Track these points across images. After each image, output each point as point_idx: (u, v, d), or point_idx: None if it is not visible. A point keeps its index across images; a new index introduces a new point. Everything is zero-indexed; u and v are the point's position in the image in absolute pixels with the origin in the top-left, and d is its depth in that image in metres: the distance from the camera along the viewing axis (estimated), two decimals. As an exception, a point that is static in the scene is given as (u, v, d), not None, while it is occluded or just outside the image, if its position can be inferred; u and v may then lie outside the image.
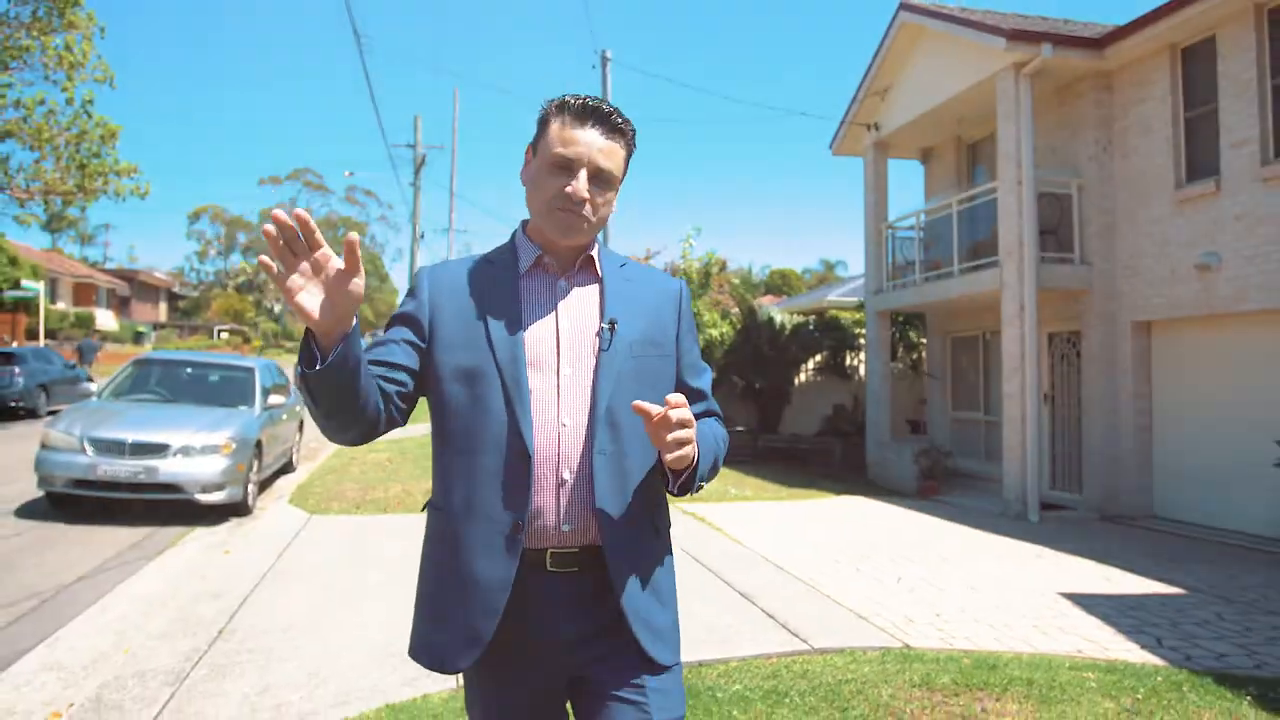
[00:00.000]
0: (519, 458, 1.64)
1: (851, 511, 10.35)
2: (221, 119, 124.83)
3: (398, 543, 7.71)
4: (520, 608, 1.66)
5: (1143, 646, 5.04)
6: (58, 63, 16.05)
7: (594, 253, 1.82)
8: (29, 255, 38.06)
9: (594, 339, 1.73)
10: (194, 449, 8.49)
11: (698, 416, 1.83)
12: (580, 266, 1.81)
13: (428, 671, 4.47)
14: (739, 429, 15.70)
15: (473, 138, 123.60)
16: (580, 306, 1.77)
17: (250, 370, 10.56)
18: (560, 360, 1.71)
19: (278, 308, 76.10)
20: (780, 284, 55.28)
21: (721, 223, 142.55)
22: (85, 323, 42.86)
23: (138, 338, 50.96)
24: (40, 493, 8.97)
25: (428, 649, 1.72)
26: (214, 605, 5.89)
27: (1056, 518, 10.40)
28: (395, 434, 16.28)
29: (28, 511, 8.81)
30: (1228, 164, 9.45)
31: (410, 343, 1.72)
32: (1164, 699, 4.06)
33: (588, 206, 1.69)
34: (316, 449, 14.61)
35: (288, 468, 11.95)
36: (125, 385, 10.07)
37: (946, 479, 12.92)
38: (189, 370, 10.52)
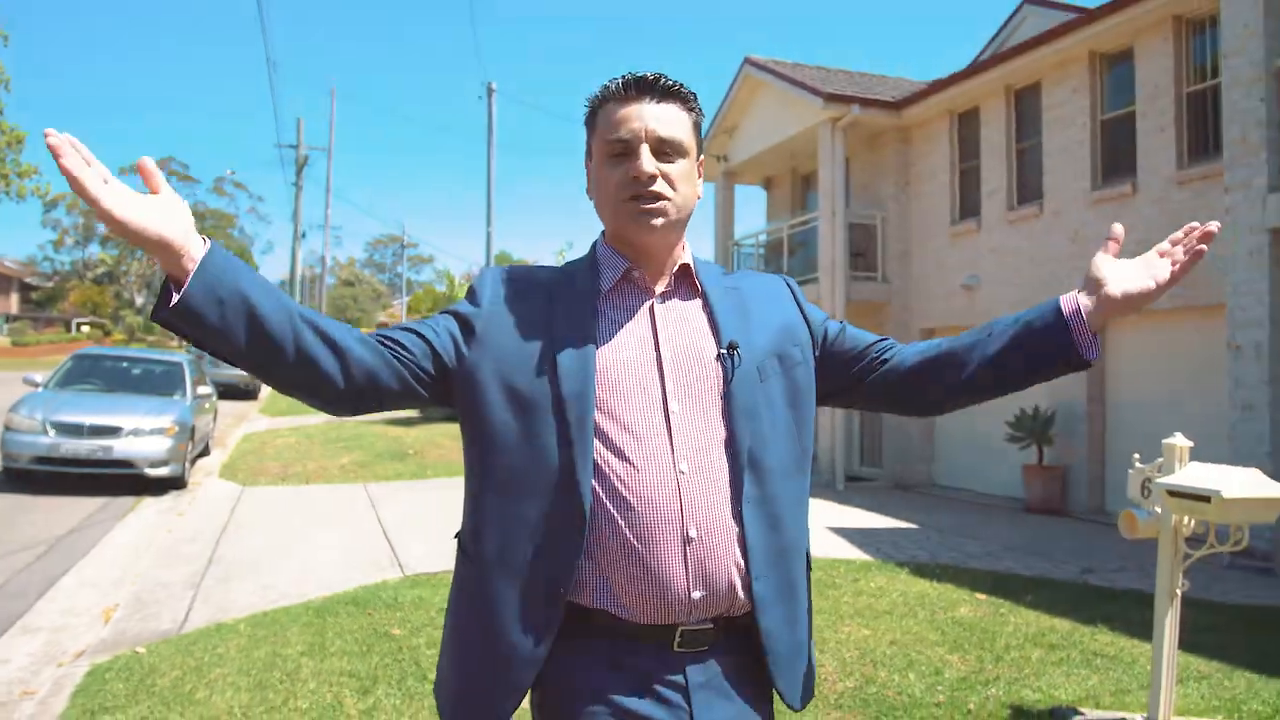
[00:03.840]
0: (570, 509, 1.36)
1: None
2: (78, 102, 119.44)
3: (327, 503, 9.54)
4: (622, 708, 1.35)
5: (864, 551, 7.43)
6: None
7: (691, 261, 1.56)
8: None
9: (707, 367, 1.46)
10: (143, 431, 10.04)
11: (900, 348, 1.65)
12: (676, 279, 1.54)
13: (386, 568, 6.44)
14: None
15: (350, 145, 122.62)
16: (683, 328, 1.50)
17: (179, 364, 12.10)
18: (667, 393, 1.43)
19: (140, 300, 74.05)
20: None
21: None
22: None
23: (-10, 330, 49.51)
24: (-6, 471, 10.36)
25: (450, 704, 1.47)
26: (193, 546, 7.62)
27: (859, 487, 12.94)
28: (298, 420, 17.78)
29: (-11, 486, 10.17)
30: (985, 208, 12.15)
31: (450, 333, 1.45)
32: (854, 571, 6.44)
33: (661, 183, 1.44)
34: (223, 435, 15.99)
35: (205, 451, 13.42)
36: (68, 376, 11.47)
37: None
38: (124, 363, 11.99)
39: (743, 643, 1.44)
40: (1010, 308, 11.53)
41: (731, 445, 1.43)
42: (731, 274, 1.63)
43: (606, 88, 1.50)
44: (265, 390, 27.86)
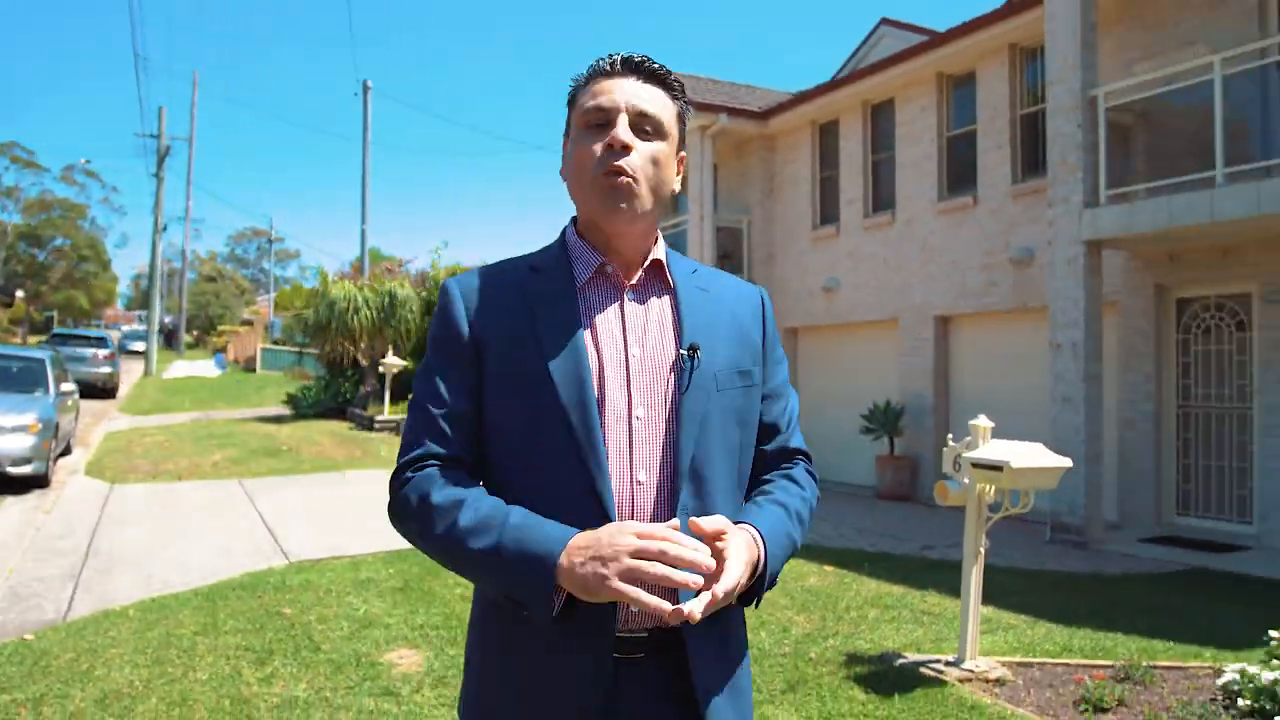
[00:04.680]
0: (597, 519, 1.29)
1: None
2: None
3: (203, 498, 9.53)
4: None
5: (731, 535, 8.00)
6: None
7: (663, 255, 1.49)
8: None
9: (668, 370, 1.40)
10: (5, 428, 9.77)
11: (773, 461, 1.54)
12: (648, 274, 1.47)
13: (270, 556, 6.61)
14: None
15: (216, 138, 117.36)
16: (651, 328, 1.43)
17: (41, 360, 11.77)
18: (632, 399, 1.38)
19: (-21, 294, 69.37)
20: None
21: (472, 237, 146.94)
22: None
23: None
24: None
25: None
26: (67, 541, 7.58)
27: (727, 478, 13.60)
28: (165, 418, 17.37)
29: None
30: (844, 215, 12.99)
31: (470, 389, 1.41)
32: (720, 549, 6.97)
33: (636, 157, 1.36)
34: (84, 434, 15.47)
35: (68, 449, 13.04)
36: (-79, 373, 11.02)
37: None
38: (-18, 359, 11.59)
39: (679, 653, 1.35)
40: (867, 309, 12.42)
41: (675, 452, 1.36)
42: (701, 271, 1.55)
43: (592, 66, 1.45)
44: (125, 388, 26.81)
